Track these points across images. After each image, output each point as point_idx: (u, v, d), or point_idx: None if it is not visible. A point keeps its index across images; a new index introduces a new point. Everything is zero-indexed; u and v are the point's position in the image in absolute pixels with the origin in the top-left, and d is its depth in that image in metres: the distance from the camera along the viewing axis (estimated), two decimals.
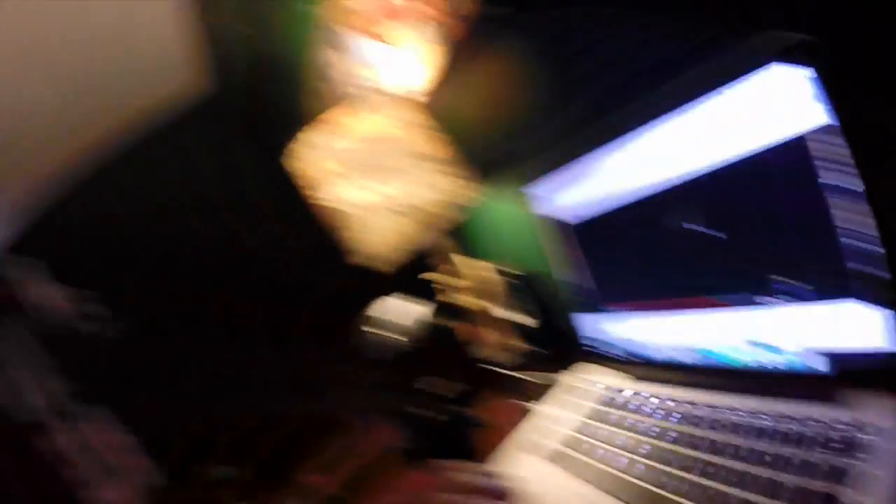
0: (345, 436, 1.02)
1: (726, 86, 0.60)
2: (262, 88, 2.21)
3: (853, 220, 0.54)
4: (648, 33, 0.73)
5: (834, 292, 0.58)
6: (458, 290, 1.23)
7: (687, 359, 0.77)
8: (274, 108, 2.14)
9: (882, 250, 0.53)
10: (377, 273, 1.36)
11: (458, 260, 1.25)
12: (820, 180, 0.55)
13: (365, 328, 1.17)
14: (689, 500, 0.56)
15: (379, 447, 0.90)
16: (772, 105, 0.57)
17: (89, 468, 2.60)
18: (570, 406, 0.90)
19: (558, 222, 0.98)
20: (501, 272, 1.22)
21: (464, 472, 0.68)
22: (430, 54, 1.26)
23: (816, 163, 0.55)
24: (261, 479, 2.02)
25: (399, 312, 1.20)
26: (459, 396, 1.07)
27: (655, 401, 0.76)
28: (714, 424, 0.64)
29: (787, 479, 0.51)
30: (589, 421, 0.82)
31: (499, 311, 1.18)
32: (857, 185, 0.53)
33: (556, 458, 0.79)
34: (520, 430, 0.93)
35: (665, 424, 0.70)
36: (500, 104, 1.19)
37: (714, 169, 0.65)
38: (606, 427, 0.78)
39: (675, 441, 0.66)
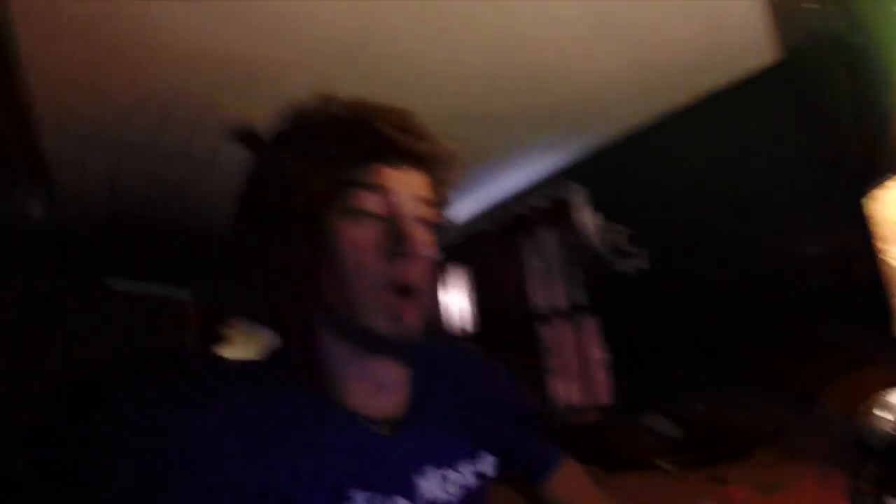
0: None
1: None
2: (832, 70, 2.21)
3: None
4: None
5: None
6: None
7: None
8: (847, 101, 2.09)
9: None
10: None
11: None
12: None
13: (875, 411, 1.09)
14: None
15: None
16: None
17: (564, 362, 3.49)
18: None
19: None
20: None
21: None
22: None
23: None
24: (688, 453, 2.09)
25: None
26: None
27: None
28: None
29: None
30: None
31: None
32: None
33: None
34: None
35: None
36: None
37: None
38: None
39: None
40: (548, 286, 4.06)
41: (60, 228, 3.92)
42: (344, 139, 0.65)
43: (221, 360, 0.73)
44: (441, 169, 0.72)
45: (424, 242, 0.66)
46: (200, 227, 4.42)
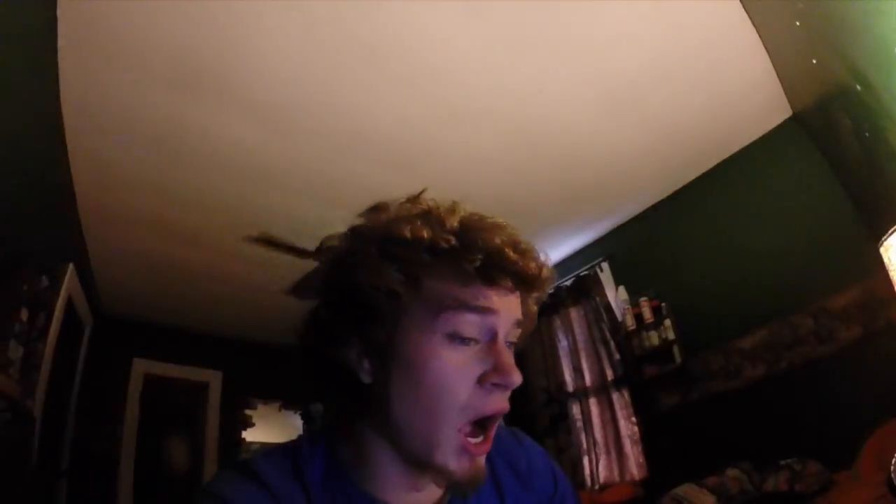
0: None
1: None
2: (840, 123, 2.28)
3: None
4: None
5: None
6: None
7: None
8: (855, 147, 2.16)
9: None
10: None
11: None
12: None
13: None
14: None
15: None
16: None
17: (597, 439, 3.55)
18: None
19: None
20: None
21: None
22: None
23: None
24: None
25: None
26: None
27: None
28: None
29: None
30: None
31: None
32: None
33: None
34: None
35: None
36: None
37: None
38: None
39: None
40: (577, 363, 4.01)
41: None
42: (451, 252, 0.60)
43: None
44: (539, 290, 0.67)
45: (517, 371, 0.61)
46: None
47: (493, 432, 0.63)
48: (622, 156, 3.11)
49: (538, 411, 4.03)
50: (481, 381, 0.60)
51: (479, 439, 0.61)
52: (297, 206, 3.21)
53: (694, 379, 3.15)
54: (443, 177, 3.05)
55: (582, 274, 4.04)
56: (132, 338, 4.61)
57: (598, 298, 3.89)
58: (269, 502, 0.59)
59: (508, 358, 0.61)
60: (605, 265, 3.92)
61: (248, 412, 5.09)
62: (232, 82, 2.40)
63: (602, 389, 3.76)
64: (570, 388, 4.02)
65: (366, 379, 0.63)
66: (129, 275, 4.00)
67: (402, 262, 0.61)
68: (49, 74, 2.23)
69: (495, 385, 0.60)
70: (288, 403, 5.30)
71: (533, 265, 0.62)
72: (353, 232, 0.67)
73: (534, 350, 4.26)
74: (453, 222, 0.62)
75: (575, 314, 4.11)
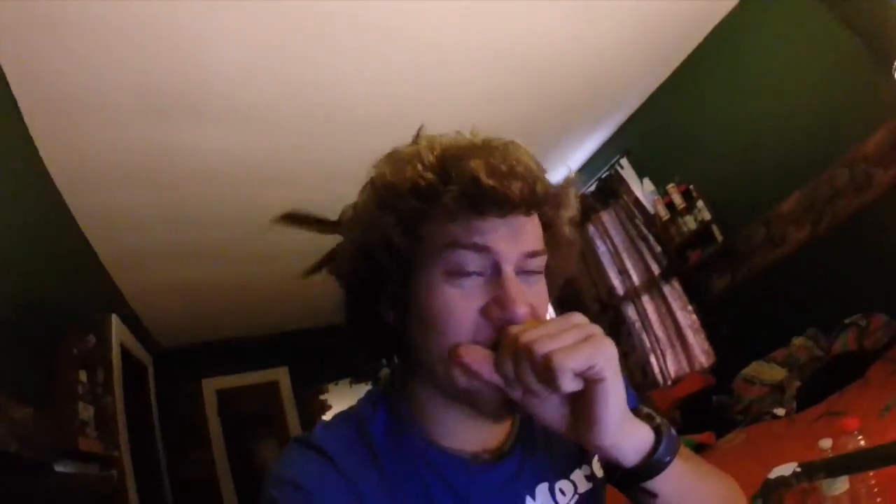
0: None
1: None
2: None
3: None
4: None
5: None
6: None
7: None
8: None
9: None
10: None
11: None
12: None
13: None
14: None
15: None
16: None
17: (658, 336, 3.50)
18: None
19: None
20: None
21: None
22: None
23: None
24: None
25: None
26: None
27: None
28: None
29: None
30: None
31: None
32: None
33: None
34: None
35: None
36: None
37: None
38: None
39: None
40: (622, 265, 3.97)
41: None
42: (429, 190, 0.59)
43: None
44: (546, 209, 0.63)
45: (527, 303, 0.57)
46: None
47: None
48: (605, 52, 2.93)
49: (596, 321, 4.02)
50: (484, 313, 0.58)
51: None
52: (305, 193, 3.18)
53: (740, 255, 3.06)
54: (433, 123, 2.95)
55: (604, 176, 3.92)
56: (195, 361, 4.79)
57: (625, 197, 3.79)
58: (334, 476, 0.59)
59: (513, 290, 0.57)
60: (624, 161, 3.79)
61: (321, 397, 5.27)
62: (201, 94, 2.34)
63: (652, 285, 3.72)
64: (621, 291, 3.99)
65: (396, 329, 0.65)
66: (171, 306, 4.10)
67: (395, 211, 0.60)
68: (26, 144, 2.22)
69: (501, 320, 0.57)
70: (357, 378, 5.46)
71: (517, 186, 0.56)
72: (361, 191, 0.66)
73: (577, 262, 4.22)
74: (431, 157, 0.60)
75: (607, 217, 4.03)
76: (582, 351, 0.49)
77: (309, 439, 0.64)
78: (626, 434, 0.56)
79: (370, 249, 0.63)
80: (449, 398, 0.63)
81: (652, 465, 0.56)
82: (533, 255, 0.60)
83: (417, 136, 0.67)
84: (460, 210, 0.57)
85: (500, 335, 0.54)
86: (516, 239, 0.59)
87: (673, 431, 0.59)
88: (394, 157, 0.64)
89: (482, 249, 0.58)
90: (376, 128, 2.76)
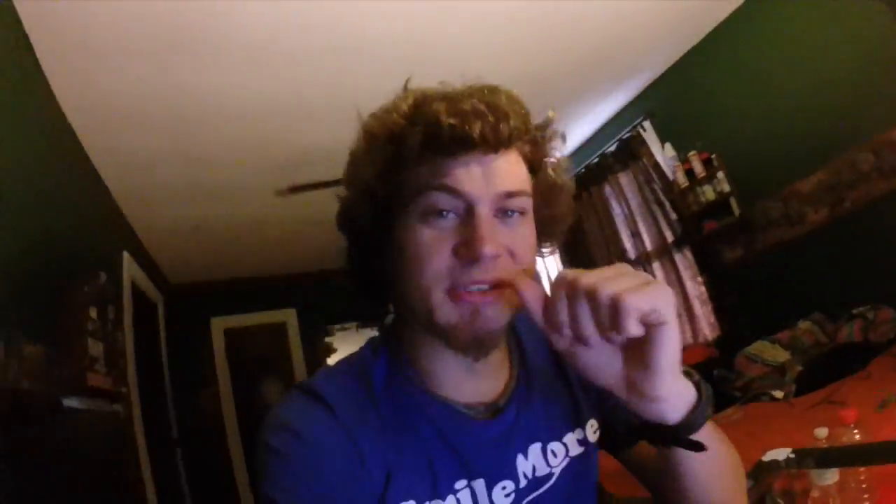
0: None
1: None
2: None
3: None
4: None
5: None
6: None
7: None
8: None
9: None
10: None
11: None
12: None
13: None
14: None
15: None
16: None
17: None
18: None
19: None
20: None
21: None
22: None
23: None
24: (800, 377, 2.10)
25: None
26: None
27: None
28: None
29: None
30: None
31: None
32: None
33: None
34: None
35: None
36: None
37: None
38: None
39: None
40: (635, 229, 3.93)
41: None
42: (400, 136, 0.61)
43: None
44: (529, 148, 0.65)
45: (498, 244, 0.59)
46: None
47: (499, 294, 0.60)
48: (636, 7, 2.80)
49: None
50: (456, 253, 0.59)
51: (480, 297, 0.60)
52: (320, 134, 3.12)
53: (755, 229, 3.00)
54: (451, 70, 2.84)
55: (625, 137, 3.83)
56: (204, 301, 4.87)
57: (645, 160, 3.71)
58: (334, 426, 0.61)
59: (481, 229, 0.58)
60: (646, 124, 3.69)
61: (327, 340, 5.36)
62: (217, 33, 2.25)
63: (664, 252, 3.69)
64: (632, 254, 3.97)
65: (386, 274, 0.67)
66: (182, 245, 4.14)
67: (374, 158, 0.63)
68: (40, 82, 2.20)
69: (470, 259, 0.58)
70: (364, 322, 5.53)
71: (478, 124, 0.58)
72: (353, 145, 0.69)
73: (590, 221, 4.19)
74: (404, 106, 0.63)
75: (624, 179, 3.96)
76: (647, 292, 0.48)
77: (311, 387, 0.65)
78: (678, 386, 0.56)
79: (358, 198, 0.65)
80: (432, 336, 0.64)
81: (693, 420, 0.56)
82: (510, 195, 0.61)
83: (405, 87, 0.67)
84: (426, 151, 0.60)
85: (553, 281, 0.52)
86: (489, 179, 0.60)
87: (709, 388, 0.60)
88: (380, 110, 0.66)
89: (453, 191, 0.59)
90: (395, 66, 2.68)
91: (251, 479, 4.58)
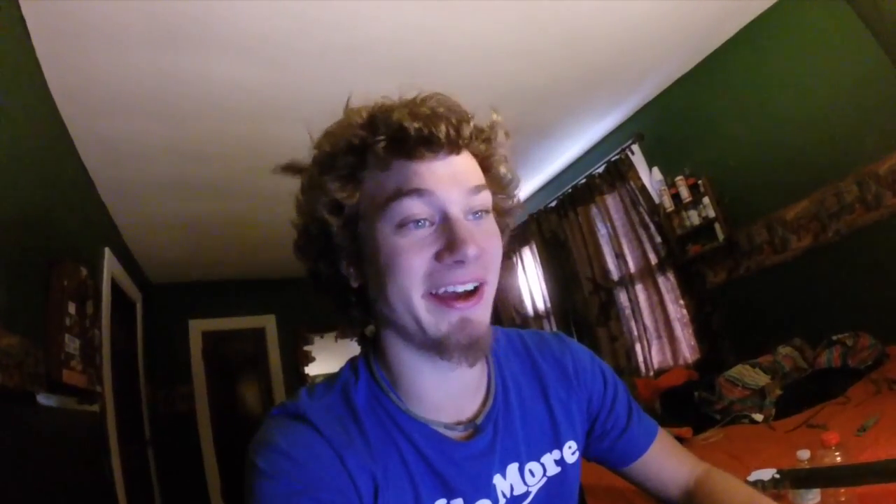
0: None
1: None
2: None
3: None
4: None
5: None
6: None
7: None
8: None
9: None
10: None
11: None
12: None
13: None
14: None
15: None
16: None
17: (646, 325, 3.56)
18: None
19: None
20: None
21: None
22: None
23: None
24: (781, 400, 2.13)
25: None
26: None
27: None
28: None
29: None
30: None
31: None
32: None
33: None
34: None
35: None
36: None
37: None
38: None
39: None
40: (619, 250, 3.96)
41: None
42: (362, 146, 0.63)
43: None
44: (483, 146, 0.67)
45: (476, 244, 0.60)
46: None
47: (482, 294, 0.63)
48: (638, 28, 2.83)
49: (586, 301, 4.05)
50: (438, 258, 0.60)
51: (463, 301, 0.62)
52: (313, 132, 3.08)
53: (739, 254, 3.06)
54: (450, 72, 2.85)
55: (613, 159, 3.88)
56: (183, 301, 4.80)
57: (632, 182, 3.75)
58: (321, 446, 0.62)
59: (463, 232, 0.60)
60: (635, 147, 3.74)
61: (306, 348, 5.31)
62: (213, 24, 2.23)
63: (647, 274, 3.73)
64: (615, 275, 4.00)
65: (356, 285, 0.68)
66: (164, 242, 4.08)
67: (335, 171, 0.64)
68: (33, 66, 2.16)
69: (453, 260, 0.60)
70: (343, 332, 5.46)
71: (442, 125, 0.60)
72: (303, 172, 0.70)
73: (575, 240, 4.22)
74: (360, 118, 0.64)
75: (611, 200, 4.00)
76: None
77: (296, 408, 0.65)
78: None
79: (319, 214, 0.65)
80: (417, 349, 0.65)
81: None
82: (475, 190, 0.63)
83: (347, 106, 0.68)
84: (392, 157, 0.61)
85: None
86: (455, 179, 0.62)
87: None
88: (328, 132, 0.67)
89: (425, 193, 0.60)
90: (392, 72, 2.68)
91: (223, 484, 4.53)
